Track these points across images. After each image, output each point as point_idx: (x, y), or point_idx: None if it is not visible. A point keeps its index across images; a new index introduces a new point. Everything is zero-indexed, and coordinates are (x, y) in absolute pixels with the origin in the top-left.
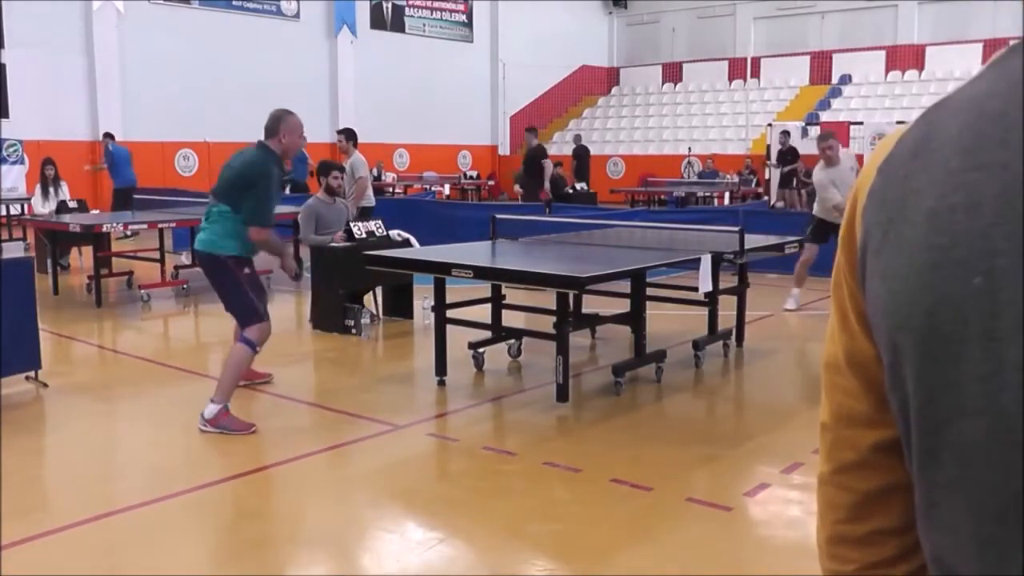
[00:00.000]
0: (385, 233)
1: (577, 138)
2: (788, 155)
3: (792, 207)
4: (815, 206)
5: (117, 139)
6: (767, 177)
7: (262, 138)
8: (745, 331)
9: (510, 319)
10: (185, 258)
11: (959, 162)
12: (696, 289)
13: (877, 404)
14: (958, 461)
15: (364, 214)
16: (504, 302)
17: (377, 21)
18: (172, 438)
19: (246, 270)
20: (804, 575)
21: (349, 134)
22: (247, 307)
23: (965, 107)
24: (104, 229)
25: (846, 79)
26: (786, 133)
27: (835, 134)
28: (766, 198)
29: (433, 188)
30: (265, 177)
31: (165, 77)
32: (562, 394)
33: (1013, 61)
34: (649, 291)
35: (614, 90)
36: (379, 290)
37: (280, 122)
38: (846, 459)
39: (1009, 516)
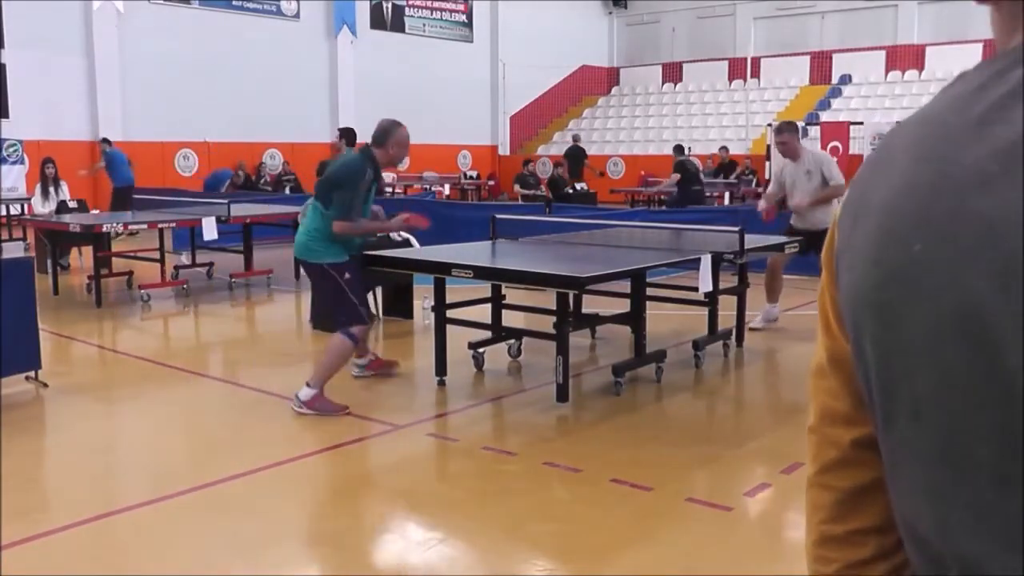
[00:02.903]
0: (385, 233)
1: (576, 137)
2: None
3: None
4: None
5: (117, 140)
6: (767, 177)
7: (369, 143)
8: (745, 331)
9: (510, 319)
10: (185, 258)
11: (904, 159)
12: (696, 289)
13: (856, 402)
14: (910, 415)
15: None
16: (504, 302)
17: (377, 21)
18: (172, 438)
19: (347, 275)
20: (804, 575)
21: (345, 133)
22: (350, 311)
23: (915, 120)
24: (104, 229)
25: (846, 79)
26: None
27: (794, 126)
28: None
29: (433, 188)
30: (355, 177)
31: (165, 77)
32: (562, 394)
33: (957, 84)
34: (649, 291)
35: (614, 90)
36: (379, 290)
37: (387, 134)
38: (829, 458)
39: (954, 459)
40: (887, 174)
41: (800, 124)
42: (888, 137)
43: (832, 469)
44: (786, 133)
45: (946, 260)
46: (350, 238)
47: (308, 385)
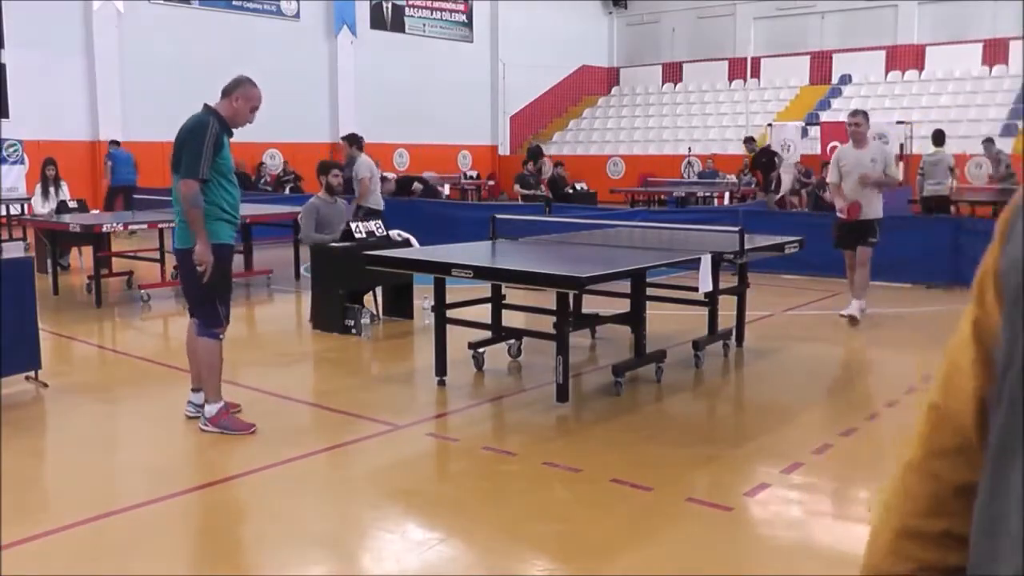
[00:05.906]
0: (385, 233)
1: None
2: (763, 158)
3: (785, 207)
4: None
5: (118, 140)
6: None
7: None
8: (745, 331)
9: (510, 319)
10: None
11: None
12: (696, 289)
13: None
14: (1010, 409)
15: (371, 216)
16: (504, 302)
17: (377, 21)
18: (172, 438)
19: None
20: (804, 575)
21: (352, 139)
22: (208, 310)
23: None
24: (104, 229)
25: (846, 79)
26: (751, 139)
27: (865, 112)
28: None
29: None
30: (197, 129)
31: (165, 77)
32: (562, 394)
33: None
34: (649, 291)
35: (614, 90)
36: (379, 290)
37: (237, 85)
38: (945, 444)
39: None
40: None
41: (800, 124)
42: None
43: (945, 456)
44: (861, 116)
45: None
46: (220, 221)
47: (208, 402)
